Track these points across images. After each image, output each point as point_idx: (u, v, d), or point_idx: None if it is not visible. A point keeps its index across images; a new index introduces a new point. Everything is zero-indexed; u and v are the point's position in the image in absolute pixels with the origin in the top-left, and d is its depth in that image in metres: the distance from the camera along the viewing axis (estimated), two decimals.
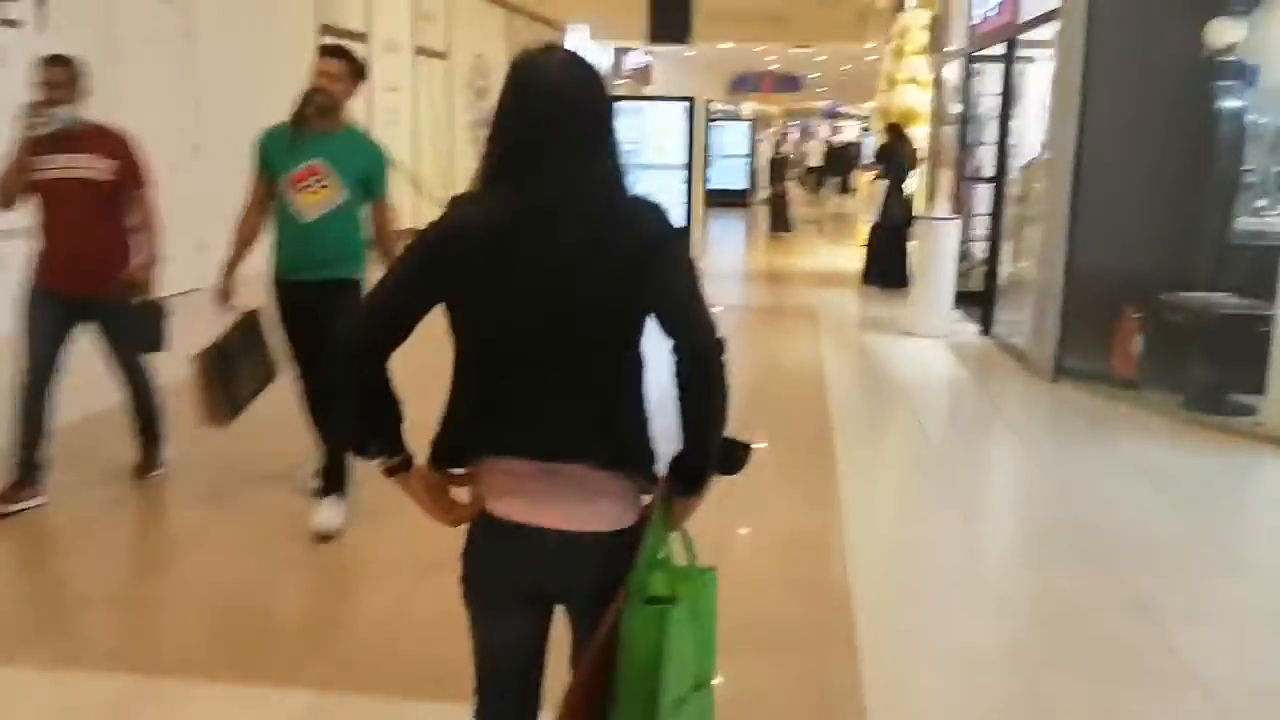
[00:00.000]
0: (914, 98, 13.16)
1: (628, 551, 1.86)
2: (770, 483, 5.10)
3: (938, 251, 8.76)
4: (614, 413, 1.88)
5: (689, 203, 13.34)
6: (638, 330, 1.88)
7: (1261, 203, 6.41)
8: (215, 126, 9.97)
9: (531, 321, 1.83)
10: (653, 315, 1.85)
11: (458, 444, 1.92)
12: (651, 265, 1.82)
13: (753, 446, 1.96)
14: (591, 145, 1.86)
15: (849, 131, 38.66)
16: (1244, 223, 6.26)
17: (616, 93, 21.26)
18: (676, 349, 1.85)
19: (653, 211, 1.87)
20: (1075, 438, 6.16)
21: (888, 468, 5.83)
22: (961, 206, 9.74)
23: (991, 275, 8.79)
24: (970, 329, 9.02)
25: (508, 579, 1.95)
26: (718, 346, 1.87)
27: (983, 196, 10.19)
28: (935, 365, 7.97)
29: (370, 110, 13.77)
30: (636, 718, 1.80)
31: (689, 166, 13.30)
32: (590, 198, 1.83)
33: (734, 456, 1.95)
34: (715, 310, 1.88)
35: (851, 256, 14.24)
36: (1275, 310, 5.86)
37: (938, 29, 12.14)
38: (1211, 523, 4.92)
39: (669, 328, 1.85)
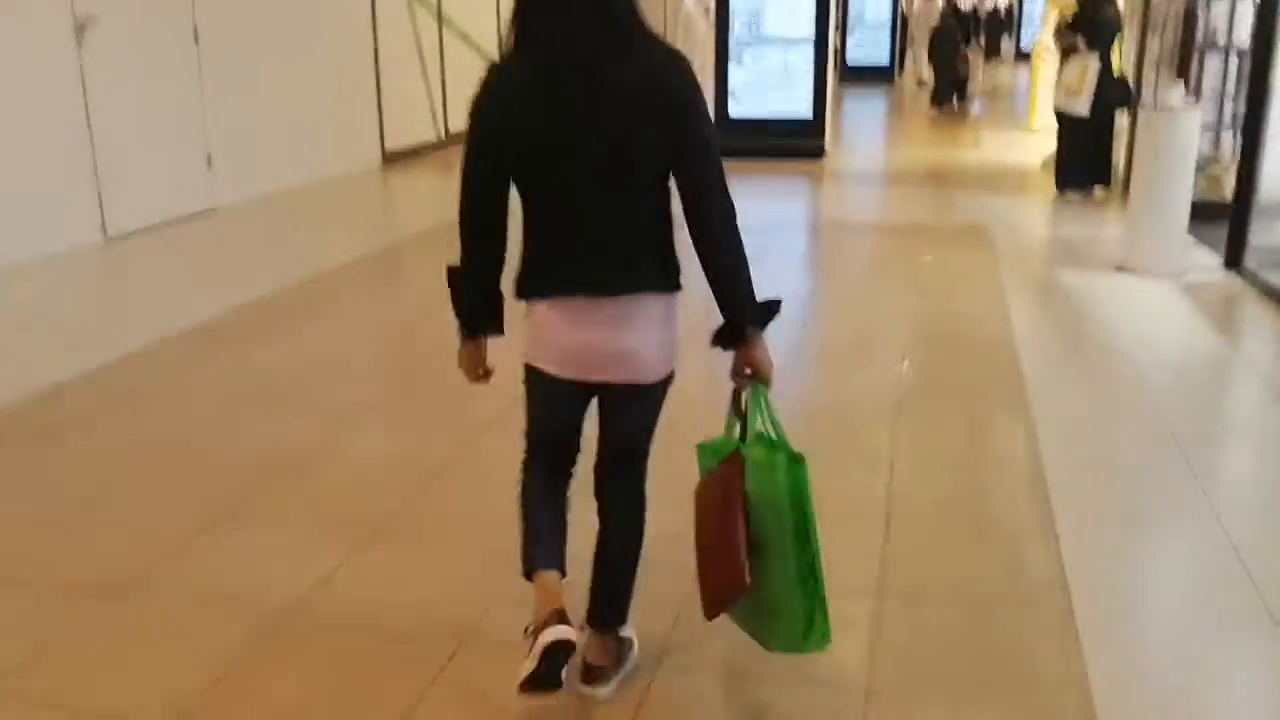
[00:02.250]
0: None
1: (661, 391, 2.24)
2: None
3: (1170, 153, 6.22)
4: (659, 246, 2.11)
5: (817, 85, 10.87)
6: (666, 169, 2.06)
7: None
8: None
9: (572, 170, 2.02)
10: (673, 171, 2.06)
11: (526, 284, 2.15)
12: (678, 120, 2.01)
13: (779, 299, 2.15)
14: None
15: None
16: None
17: None
18: (693, 214, 2.05)
19: (678, 64, 2.04)
20: None
21: (1116, 496, 3.55)
22: (1196, 88, 7.14)
23: (1247, 185, 6.24)
24: (1207, 260, 6.55)
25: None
26: (732, 209, 2.08)
27: (1215, 73, 7.62)
28: (1174, 325, 5.53)
29: None
30: (787, 561, 2.08)
31: (819, 41, 10.82)
32: (614, 50, 1.97)
33: (769, 310, 2.14)
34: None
35: (1021, 146, 11.65)
36: None
37: None
38: None
39: (688, 186, 2.05)
